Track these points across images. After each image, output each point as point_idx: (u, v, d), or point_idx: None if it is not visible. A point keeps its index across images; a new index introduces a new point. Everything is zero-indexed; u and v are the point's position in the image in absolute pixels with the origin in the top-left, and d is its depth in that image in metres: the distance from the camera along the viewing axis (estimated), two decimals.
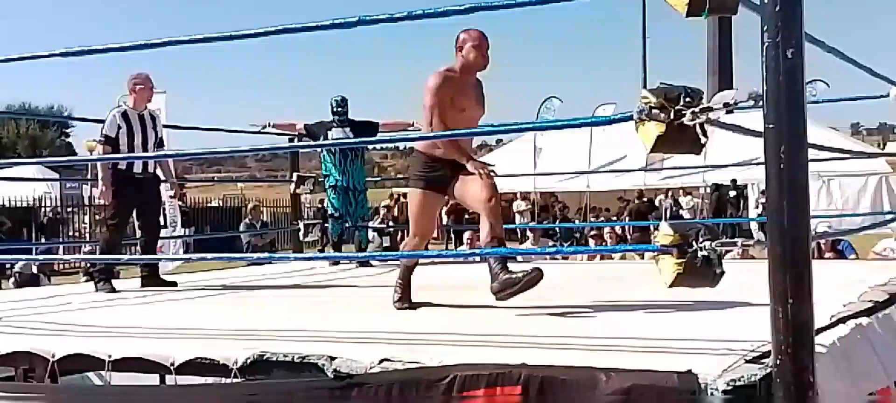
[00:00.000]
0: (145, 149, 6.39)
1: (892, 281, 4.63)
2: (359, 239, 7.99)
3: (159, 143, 6.59)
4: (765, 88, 2.43)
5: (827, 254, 9.24)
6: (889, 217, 6.97)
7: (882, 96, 5.95)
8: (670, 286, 2.89)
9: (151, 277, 6.43)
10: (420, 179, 4.68)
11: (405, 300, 4.67)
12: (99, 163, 6.90)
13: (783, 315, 2.40)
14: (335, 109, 7.83)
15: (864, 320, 3.51)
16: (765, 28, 2.42)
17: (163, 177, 6.82)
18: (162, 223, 9.89)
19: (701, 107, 2.73)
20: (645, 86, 2.87)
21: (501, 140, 33.68)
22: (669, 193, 24.51)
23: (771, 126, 2.42)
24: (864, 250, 9.72)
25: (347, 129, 7.80)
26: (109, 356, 3.37)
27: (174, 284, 6.38)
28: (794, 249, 2.42)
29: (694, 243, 2.85)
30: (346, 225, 7.80)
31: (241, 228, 12.77)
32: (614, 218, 22.99)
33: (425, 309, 4.58)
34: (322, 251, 8.37)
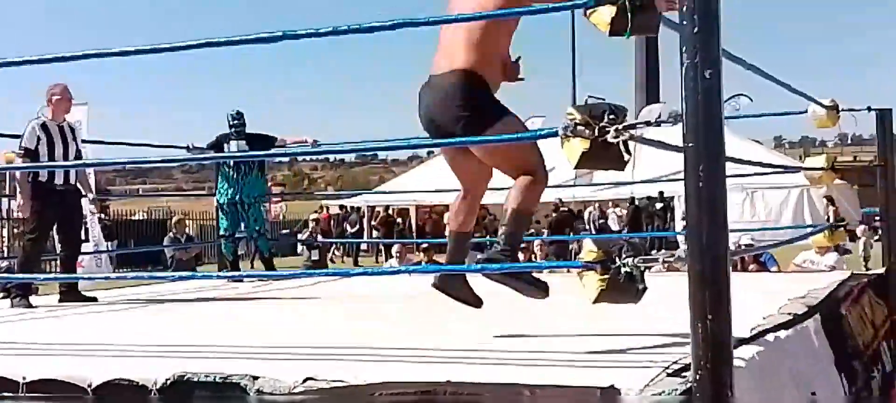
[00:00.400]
0: (66, 161, 6.24)
1: (810, 294, 4.75)
2: (258, 249, 8.16)
3: (78, 156, 6.44)
4: (684, 107, 2.47)
5: (750, 266, 9.43)
6: (809, 230, 7.15)
7: (801, 112, 6.10)
8: (594, 302, 2.92)
9: (71, 292, 6.27)
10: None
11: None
12: (18, 175, 6.71)
13: (702, 331, 2.44)
14: (231, 123, 7.97)
15: (782, 333, 3.59)
16: (683, 49, 2.47)
17: (83, 191, 6.65)
18: (84, 237, 9.70)
19: (623, 124, 2.76)
20: (574, 101, 2.90)
21: (432, 152, 33.78)
22: (598, 205, 24.82)
23: (690, 145, 2.47)
24: (785, 262, 9.94)
25: (243, 142, 7.90)
26: (24, 378, 3.26)
27: (94, 299, 6.22)
28: (714, 266, 2.47)
29: (617, 259, 2.89)
30: (240, 239, 8.01)
31: (166, 242, 12.53)
32: (545, 231, 23.19)
33: (349, 323, 4.55)
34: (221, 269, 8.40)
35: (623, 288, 2.87)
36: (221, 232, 7.98)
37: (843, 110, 5.89)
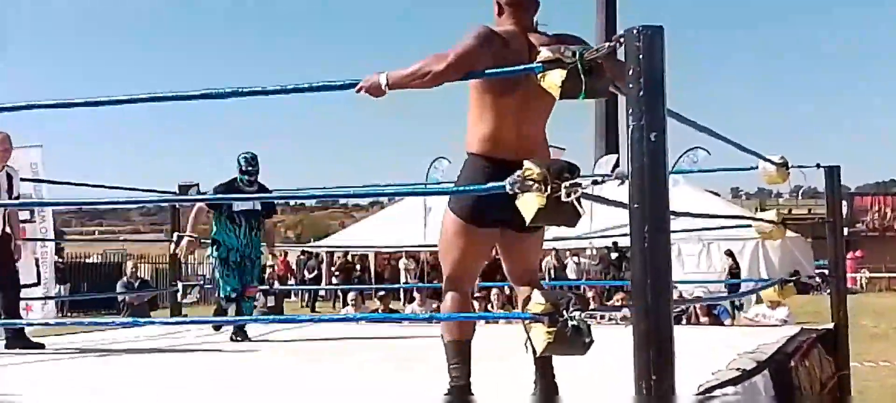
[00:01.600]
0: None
1: (759, 348, 4.80)
2: (242, 307, 6.94)
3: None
4: (629, 169, 2.51)
5: (703, 319, 9.50)
6: (762, 285, 7.23)
7: (752, 168, 6.19)
8: (540, 354, 2.93)
9: (17, 339, 6.08)
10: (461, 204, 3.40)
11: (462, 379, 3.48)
12: None
13: (646, 391, 2.47)
14: (244, 168, 6.86)
15: (730, 389, 3.63)
16: (629, 111, 2.51)
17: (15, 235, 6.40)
18: (36, 280, 9.55)
19: (573, 182, 2.79)
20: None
21: (392, 198, 33.75)
22: (554, 253, 24.88)
23: (635, 206, 2.51)
24: (736, 315, 10.04)
25: (256, 202, 6.98)
26: None
27: (41, 346, 6.07)
28: (658, 326, 2.49)
29: (565, 312, 2.91)
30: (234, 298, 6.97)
31: (119, 287, 12.34)
32: (499, 278, 23.15)
33: (300, 373, 4.50)
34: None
35: (570, 340, 2.89)
36: (228, 293, 6.89)
37: (792, 167, 5.99)
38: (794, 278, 6.77)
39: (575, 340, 2.94)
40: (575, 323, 2.92)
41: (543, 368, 3.36)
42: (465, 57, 3.16)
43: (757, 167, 6.08)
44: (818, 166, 6.26)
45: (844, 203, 33.66)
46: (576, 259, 24.63)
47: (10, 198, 6.24)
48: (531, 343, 3.02)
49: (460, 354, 3.41)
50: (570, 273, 24.51)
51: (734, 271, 20.17)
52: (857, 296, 24.77)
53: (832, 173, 6.27)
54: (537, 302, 2.98)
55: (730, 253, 20.97)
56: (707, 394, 3.40)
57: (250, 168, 6.84)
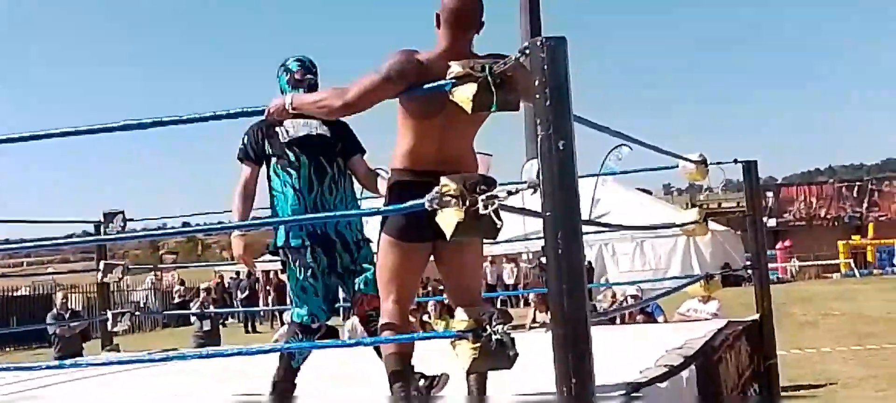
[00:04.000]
0: None
1: (687, 344, 4.90)
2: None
3: None
4: (540, 178, 2.56)
5: (637, 317, 9.64)
6: (687, 280, 7.39)
7: (672, 167, 6.32)
8: (467, 370, 2.97)
9: None
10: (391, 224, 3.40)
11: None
12: None
13: (567, 392, 2.52)
14: (301, 77, 4.27)
15: (657, 386, 3.70)
16: (538, 121, 2.57)
17: None
18: None
19: (489, 194, 2.84)
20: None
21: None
22: (490, 259, 25.04)
23: (548, 213, 2.56)
24: (671, 311, 10.20)
25: (319, 122, 4.18)
26: None
27: None
28: (575, 331, 2.55)
29: (488, 327, 2.94)
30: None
31: (49, 319, 12.08)
32: (441, 290, 23.24)
33: None
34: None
35: (495, 354, 2.93)
36: (302, 319, 4.21)
37: (711, 164, 6.13)
38: (723, 271, 6.93)
39: (500, 354, 2.98)
40: (499, 337, 2.96)
41: (479, 385, 3.39)
42: (365, 96, 3.18)
43: (677, 166, 6.22)
44: (736, 161, 6.42)
45: (770, 194, 34.44)
46: (512, 265, 24.84)
47: None
48: (458, 359, 3.05)
49: (401, 367, 3.41)
50: (507, 279, 24.73)
51: (588, 272, 20.51)
52: (788, 285, 25.40)
53: (750, 167, 6.43)
54: (461, 320, 3.02)
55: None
56: (633, 393, 3.46)
57: (309, 76, 4.29)
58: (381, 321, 3.49)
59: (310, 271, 4.12)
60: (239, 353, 3.82)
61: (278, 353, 4.20)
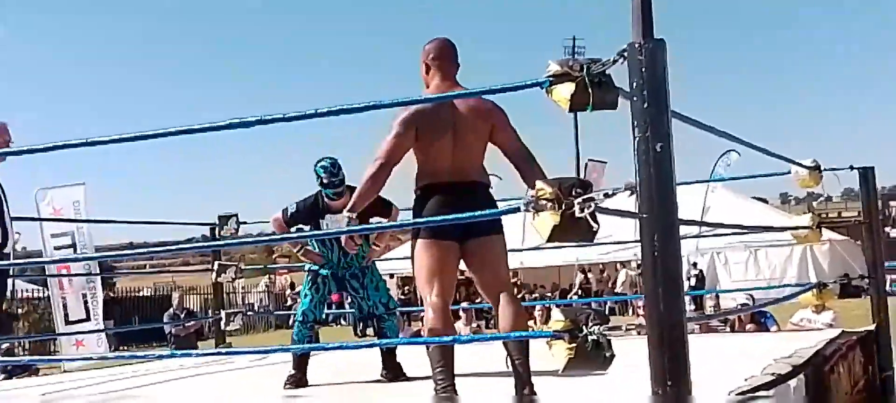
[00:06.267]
0: (4, 225, 5.28)
1: (796, 353, 4.78)
2: (382, 329, 5.40)
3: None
4: (637, 179, 2.56)
5: (748, 326, 9.43)
6: (798, 290, 7.19)
7: (784, 173, 6.16)
8: (562, 371, 2.97)
9: None
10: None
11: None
12: None
13: (662, 396, 2.50)
14: (327, 181, 5.33)
15: (761, 394, 3.63)
16: (634, 123, 2.56)
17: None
18: (85, 316, 9.80)
19: (585, 197, 2.84)
20: (577, 167, 2.97)
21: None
22: (603, 268, 24.85)
23: (644, 216, 2.55)
24: (785, 320, 9.94)
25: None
26: None
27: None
28: (671, 333, 2.53)
29: (584, 327, 2.94)
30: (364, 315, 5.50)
31: (165, 318, 12.57)
32: (549, 294, 23.20)
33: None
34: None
35: (590, 356, 2.92)
36: (302, 312, 5.44)
37: (825, 170, 5.95)
38: (838, 281, 6.71)
39: (595, 355, 2.97)
40: (595, 337, 2.95)
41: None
42: (391, 152, 3.98)
43: (788, 172, 6.06)
44: (852, 168, 6.21)
45: (893, 203, 33.02)
46: (624, 270, 24.57)
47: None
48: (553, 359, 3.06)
49: (444, 360, 3.80)
50: (621, 285, 24.47)
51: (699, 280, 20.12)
52: None
53: (866, 174, 6.22)
54: (557, 320, 3.02)
55: (694, 264, 20.80)
56: (735, 399, 3.41)
57: (334, 179, 5.31)
58: (427, 315, 3.88)
59: (320, 292, 5.44)
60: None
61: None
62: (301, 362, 5.21)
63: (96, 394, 5.68)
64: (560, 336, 2.93)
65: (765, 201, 31.38)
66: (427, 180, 4.02)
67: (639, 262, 15.15)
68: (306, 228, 5.39)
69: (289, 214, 5.46)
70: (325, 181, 5.32)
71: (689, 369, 2.53)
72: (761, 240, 21.56)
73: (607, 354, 2.94)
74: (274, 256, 7.70)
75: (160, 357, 5.97)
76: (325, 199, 5.37)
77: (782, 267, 22.14)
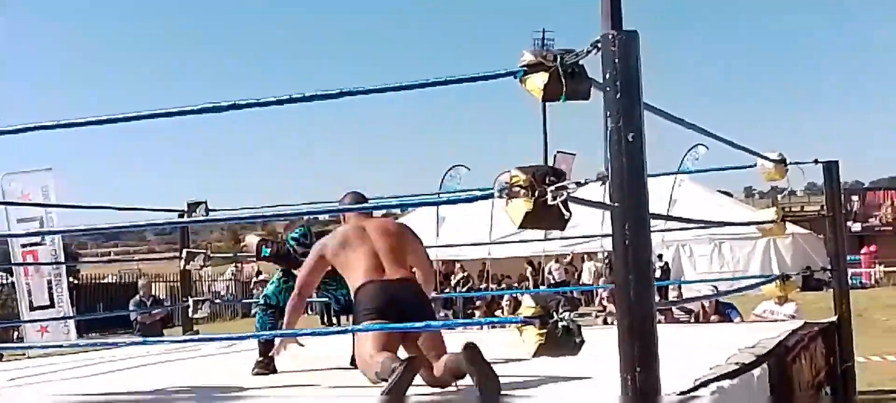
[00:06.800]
0: None
1: (760, 343, 4.86)
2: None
3: None
4: (609, 169, 2.60)
5: (712, 317, 9.54)
6: (762, 280, 7.30)
7: (750, 166, 6.25)
8: (533, 356, 3.01)
9: None
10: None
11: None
12: None
13: (631, 383, 2.55)
14: (299, 251, 5.57)
15: (726, 383, 3.68)
16: (607, 113, 2.60)
17: None
18: (49, 302, 9.72)
19: (558, 185, 2.87)
20: (545, 156, 3.00)
21: (405, 206, 33.86)
22: (569, 258, 24.96)
23: (616, 205, 2.59)
24: (748, 312, 10.07)
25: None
26: None
27: None
28: (641, 321, 2.57)
29: (555, 313, 2.98)
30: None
31: (131, 305, 12.46)
32: (516, 285, 23.31)
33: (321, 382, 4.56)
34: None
35: (561, 342, 2.96)
36: (266, 297, 5.69)
37: (790, 163, 6.04)
38: (801, 273, 6.83)
39: (566, 341, 3.01)
40: (565, 323, 2.99)
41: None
42: (309, 282, 4.74)
43: (754, 165, 6.15)
44: (816, 162, 6.32)
45: (856, 198, 33.48)
46: (591, 263, 24.72)
47: None
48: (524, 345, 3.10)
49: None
50: (586, 277, 24.61)
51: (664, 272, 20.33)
52: (872, 291, 24.71)
53: (830, 168, 6.33)
54: (528, 306, 3.06)
55: (660, 256, 21.02)
56: (701, 387, 3.46)
57: (306, 242, 5.53)
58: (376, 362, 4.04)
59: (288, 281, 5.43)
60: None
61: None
62: (268, 348, 5.21)
63: (64, 379, 5.65)
64: (531, 322, 2.97)
65: (729, 195, 31.71)
66: (369, 278, 4.37)
67: (604, 254, 15.37)
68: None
69: (264, 251, 5.75)
70: (298, 251, 5.52)
71: (658, 356, 2.58)
72: (726, 234, 21.80)
73: (577, 340, 2.98)
74: (241, 245, 7.66)
75: (133, 344, 5.93)
76: (298, 256, 5.49)
77: (746, 259, 22.43)
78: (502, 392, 3.69)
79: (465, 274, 25.03)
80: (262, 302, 5.66)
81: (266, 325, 5.48)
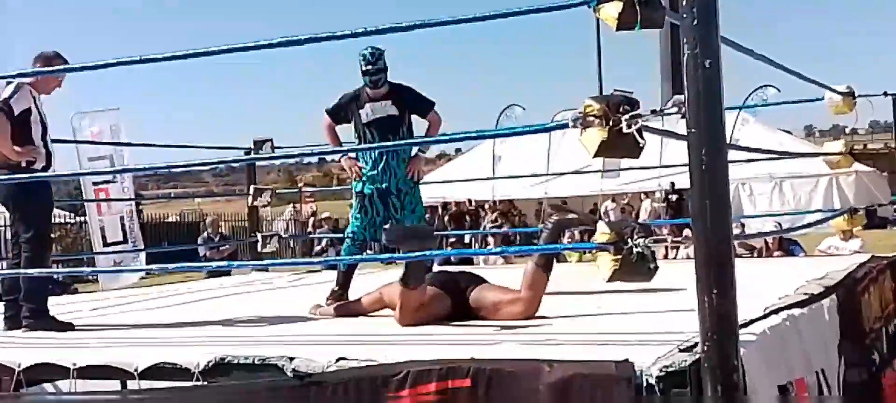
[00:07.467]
0: (48, 147, 5.01)
1: (828, 275, 4.86)
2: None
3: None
4: (686, 96, 2.63)
5: (776, 253, 9.51)
6: (829, 215, 7.25)
7: (818, 99, 6.19)
8: (608, 281, 3.07)
9: (39, 319, 4.78)
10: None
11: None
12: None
13: (708, 306, 2.60)
14: (364, 68, 5.32)
15: (796, 311, 3.72)
16: (684, 40, 2.62)
17: None
18: (122, 238, 10.01)
19: (633, 114, 2.91)
20: (600, 93, 3.04)
21: (460, 149, 33.95)
22: (627, 198, 24.85)
23: (693, 131, 2.62)
24: (811, 248, 10.00)
25: (389, 104, 5.40)
26: (74, 364, 3.48)
27: (70, 327, 4.82)
28: (717, 245, 2.62)
29: (629, 240, 3.04)
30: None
31: (200, 242, 12.78)
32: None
33: (375, 316, 4.69)
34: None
35: (635, 267, 3.01)
36: (352, 232, 5.54)
37: (859, 96, 5.96)
38: (867, 207, 6.76)
39: (640, 266, 3.07)
40: (640, 250, 3.05)
41: None
42: None
43: (823, 98, 6.08)
44: (885, 94, 6.23)
45: None
46: (647, 202, 24.56)
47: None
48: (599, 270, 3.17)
49: None
50: (643, 216, 24.47)
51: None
52: None
53: None
54: (603, 232, 3.12)
55: (672, 191, 20.65)
56: (772, 315, 3.50)
57: (371, 67, 5.30)
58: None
59: (368, 214, 5.46)
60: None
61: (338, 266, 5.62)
62: (346, 279, 5.36)
63: (141, 310, 5.86)
64: (606, 248, 3.03)
65: (789, 133, 31.17)
66: None
67: (662, 193, 15.28)
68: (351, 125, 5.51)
69: (331, 107, 5.55)
70: (363, 69, 5.33)
71: (735, 280, 2.62)
72: (787, 172, 21.51)
73: (651, 265, 3.04)
74: (300, 184, 7.79)
75: (233, 265, 6.11)
76: (366, 88, 5.40)
77: (807, 198, 22.06)
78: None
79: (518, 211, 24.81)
80: (349, 236, 5.58)
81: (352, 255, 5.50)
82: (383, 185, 5.42)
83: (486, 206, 24.68)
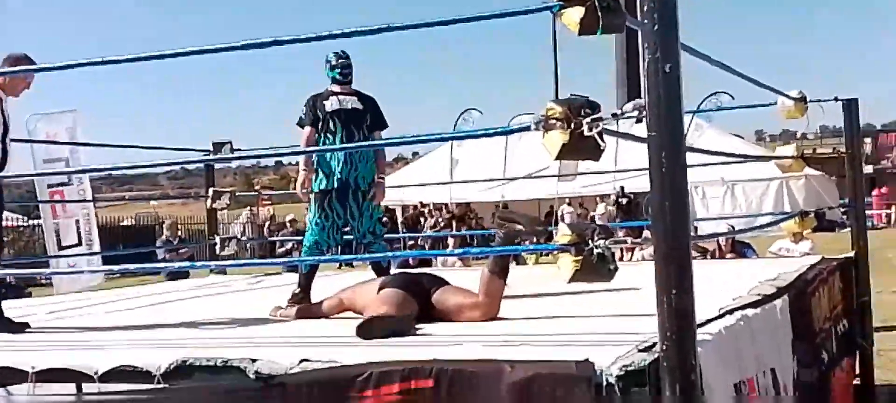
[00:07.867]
0: (6, 149, 4.98)
1: (780, 276, 4.96)
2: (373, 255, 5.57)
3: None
4: (646, 100, 2.68)
5: (728, 255, 9.65)
6: (780, 217, 7.39)
7: (770, 104, 6.30)
8: (569, 281, 3.12)
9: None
10: None
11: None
12: None
13: (667, 304, 2.65)
14: (336, 62, 5.51)
15: (750, 311, 3.80)
16: (645, 45, 2.67)
17: None
18: (77, 240, 9.89)
19: (594, 117, 2.96)
20: (556, 98, 3.08)
21: (418, 152, 34.01)
22: (580, 201, 25.05)
23: (653, 134, 2.68)
24: (762, 250, 10.17)
25: (354, 99, 5.48)
26: (33, 367, 3.44)
27: (25, 326, 4.80)
28: (677, 245, 2.67)
29: (590, 241, 3.09)
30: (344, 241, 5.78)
31: (158, 244, 12.69)
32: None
33: (337, 318, 4.70)
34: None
35: (595, 268, 3.07)
36: (314, 240, 5.51)
37: (810, 101, 6.09)
38: (817, 210, 6.89)
39: (601, 267, 3.13)
40: (600, 251, 3.11)
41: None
42: None
43: (776, 103, 6.19)
44: (836, 99, 6.36)
45: (868, 140, 33.34)
46: (602, 205, 24.79)
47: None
48: (559, 272, 3.21)
49: None
50: (599, 218, 24.71)
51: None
52: (883, 231, 24.78)
53: (850, 106, 6.37)
54: (564, 233, 3.17)
55: (623, 194, 20.99)
56: (727, 315, 3.58)
57: (341, 61, 5.49)
58: None
59: (329, 218, 5.44)
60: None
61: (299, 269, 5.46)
62: (307, 282, 5.31)
63: (99, 313, 5.80)
64: (567, 248, 3.08)
65: (741, 138, 31.65)
66: None
67: (617, 195, 15.40)
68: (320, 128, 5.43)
69: (302, 116, 5.48)
70: (333, 63, 5.48)
71: (692, 279, 2.68)
72: (739, 176, 21.86)
73: (611, 266, 3.10)
74: (258, 187, 7.78)
75: (195, 266, 6.08)
76: (333, 84, 5.50)
77: (758, 201, 22.47)
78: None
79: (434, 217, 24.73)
80: (311, 245, 5.48)
81: (311, 264, 5.36)
82: (343, 177, 5.40)
83: (431, 209, 24.68)
